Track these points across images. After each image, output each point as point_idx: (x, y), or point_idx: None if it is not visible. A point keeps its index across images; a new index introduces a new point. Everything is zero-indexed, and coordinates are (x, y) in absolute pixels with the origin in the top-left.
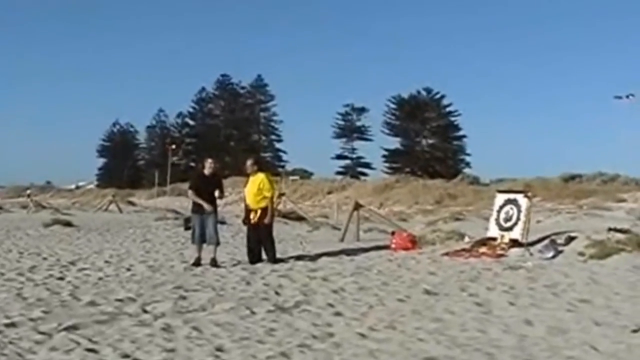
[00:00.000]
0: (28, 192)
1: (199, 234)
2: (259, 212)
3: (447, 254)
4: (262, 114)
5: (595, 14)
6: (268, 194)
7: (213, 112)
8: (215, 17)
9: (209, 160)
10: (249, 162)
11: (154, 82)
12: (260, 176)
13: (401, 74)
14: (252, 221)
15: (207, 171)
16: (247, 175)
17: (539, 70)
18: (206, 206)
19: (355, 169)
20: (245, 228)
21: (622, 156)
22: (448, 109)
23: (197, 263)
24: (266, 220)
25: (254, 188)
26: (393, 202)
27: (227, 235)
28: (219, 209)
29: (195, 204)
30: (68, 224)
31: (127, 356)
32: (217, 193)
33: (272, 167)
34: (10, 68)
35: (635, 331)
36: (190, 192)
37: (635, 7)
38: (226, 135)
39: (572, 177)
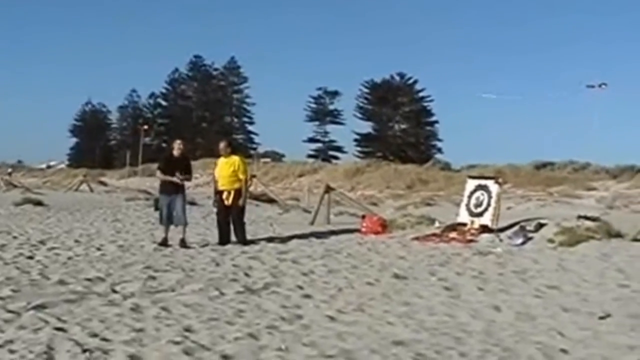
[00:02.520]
0: (9, 170)
1: (166, 214)
2: (232, 193)
3: (417, 238)
4: (234, 95)
5: (569, 4)
6: (242, 176)
7: (185, 94)
8: None
9: (178, 142)
10: (222, 144)
11: (127, 62)
12: (235, 158)
13: (374, 58)
14: (225, 202)
15: (175, 152)
16: (219, 157)
17: (512, 58)
18: (175, 179)
19: (327, 152)
20: (215, 209)
21: (593, 145)
22: (421, 94)
23: (164, 243)
24: (240, 202)
25: (227, 170)
26: (364, 186)
27: (198, 217)
28: (189, 190)
29: (162, 185)
30: (39, 203)
31: (95, 335)
32: (180, 175)
33: (244, 149)
34: None
35: (602, 318)
36: (158, 172)
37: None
38: (198, 116)
39: (544, 165)
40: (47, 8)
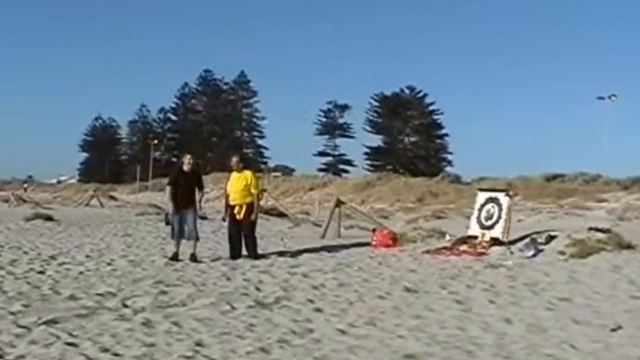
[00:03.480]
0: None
1: (177, 229)
2: (244, 207)
3: (428, 251)
4: (244, 110)
5: (579, 16)
6: (255, 191)
7: (195, 108)
8: (199, 13)
9: (188, 156)
10: (235, 159)
11: (137, 77)
12: (247, 173)
13: (384, 71)
14: (237, 217)
15: (186, 167)
16: (230, 171)
17: (522, 70)
18: (171, 209)
19: (337, 166)
20: (225, 224)
21: (603, 157)
22: (431, 108)
23: (175, 258)
24: (252, 217)
25: (240, 184)
26: (374, 200)
27: (208, 231)
28: (201, 204)
29: (174, 200)
30: (49, 218)
31: (106, 350)
32: (192, 189)
33: (254, 163)
34: None
35: (614, 330)
36: (167, 188)
37: (617, 10)
38: (208, 131)
39: (554, 177)
40: (57, 23)
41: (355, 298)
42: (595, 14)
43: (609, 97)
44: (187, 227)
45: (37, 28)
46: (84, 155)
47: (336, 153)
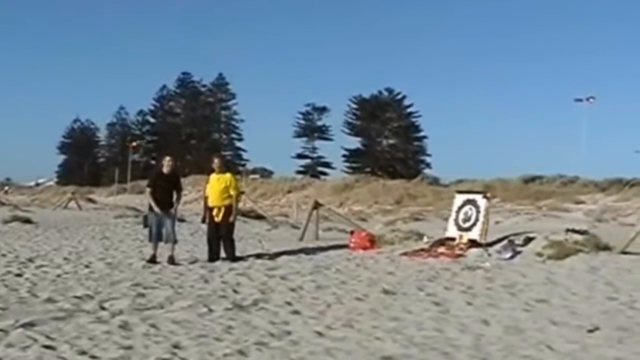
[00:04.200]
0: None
1: (155, 232)
2: (222, 209)
3: (405, 253)
4: (223, 112)
5: (557, 18)
6: (234, 193)
7: (174, 110)
8: (177, 15)
9: (167, 159)
10: (217, 160)
11: (115, 79)
12: (227, 175)
13: (363, 74)
14: (216, 219)
15: (165, 169)
16: (209, 174)
17: (500, 72)
18: (156, 209)
19: (315, 168)
20: (204, 226)
21: (581, 159)
22: (409, 110)
23: (152, 260)
24: (230, 219)
25: (219, 186)
26: (353, 202)
27: (186, 233)
28: (178, 207)
29: (152, 202)
30: (27, 221)
31: (84, 353)
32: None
33: (233, 165)
34: None
35: (591, 331)
36: (147, 190)
37: (595, 12)
38: (187, 133)
39: (532, 179)
40: (35, 25)
41: (333, 300)
42: (573, 16)
43: (587, 99)
44: (165, 229)
45: (15, 30)
46: (63, 157)
47: (315, 155)
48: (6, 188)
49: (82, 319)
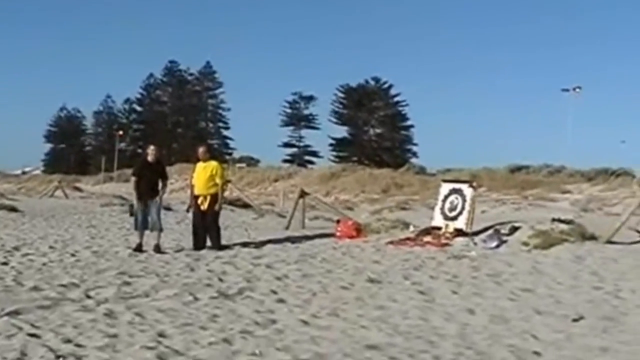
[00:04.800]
0: None
1: (141, 220)
2: (208, 198)
3: (391, 242)
4: (209, 100)
5: (544, 7)
6: (219, 181)
7: (161, 99)
8: (165, 2)
9: (152, 147)
10: (202, 149)
11: (102, 67)
12: (213, 163)
13: (350, 63)
14: (201, 207)
15: (150, 158)
16: (195, 162)
17: (487, 61)
18: (135, 203)
19: (302, 157)
20: (190, 215)
21: (568, 148)
22: (396, 99)
23: (138, 249)
24: (216, 207)
25: (205, 174)
26: (339, 191)
27: (172, 222)
28: (164, 195)
29: (137, 191)
30: (13, 209)
31: (69, 341)
32: (157, 180)
33: (220, 154)
34: None
35: (575, 320)
36: (132, 179)
37: (581, 2)
38: (174, 122)
39: (519, 168)
40: (22, 13)
41: (318, 289)
42: (560, 6)
43: (574, 89)
44: (151, 218)
45: (1, 17)
46: (49, 146)
47: (301, 144)
48: None
49: (67, 308)
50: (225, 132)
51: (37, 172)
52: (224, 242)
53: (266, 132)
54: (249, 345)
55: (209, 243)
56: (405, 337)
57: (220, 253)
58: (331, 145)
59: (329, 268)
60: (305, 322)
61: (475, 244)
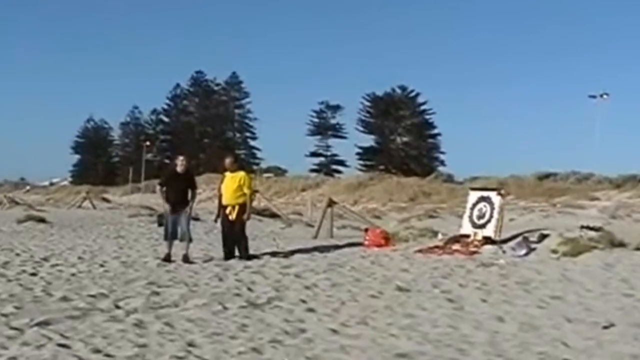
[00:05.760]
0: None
1: (171, 230)
2: (236, 208)
3: (420, 250)
4: (236, 111)
5: (572, 15)
6: (247, 191)
7: (187, 109)
8: (191, 13)
9: (181, 158)
10: (229, 160)
11: (129, 78)
12: (241, 174)
13: (376, 71)
14: (229, 217)
15: (179, 169)
16: (223, 172)
17: (514, 69)
18: (165, 206)
19: (329, 166)
20: (218, 225)
21: (596, 155)
22: (422, 107)
23: (167, 259)
24: (244, 217)
25: (233, 184)
26: (367, 200)
27: (201, 232)
28: (193, 205)
29: (168, 201)
30: (41, 220)
31: (98, 351)
32: (186, 190)
33: (247, 164)
34: None
35: (606, 327)
36: (158, 188)
37: (610, 9)
38: (200, 132)
39: (546, 176)
40: (48, 25)
41: (347, 298)
42: (588, 13)
43: (601, 96)
44: (180, 228)
45: (28, 29)
46: (77, 157)
47: (328, 153)
48: (27, 187)
49: (96, 318)
50: (252, 142)
51: (65, 183)
52: (252, 251)
53: (293, 141)
54: (278, 354)
55: (237, 253)
56: (435, 345)
57: (249, 263)
58: (358, 154)
59: (357, 277)
60: (334, 331)
61: (504, 251)
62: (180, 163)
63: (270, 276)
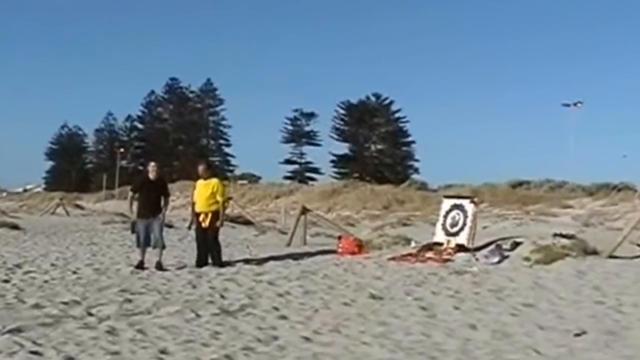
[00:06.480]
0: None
1: (143, 237)
2: (209, 215)
3: (393, 258)
4: (210, 118)
5: (544, 23)
6: (220, 199)
7: (162, 116)
8: (164, 20)
9: (152, 164)
10: (202, 167)
11: (103, 85)
12: (214, 181)
13: (350, 79)
14: (203, 224)
15: (151, 175)
16: (196, 179)
17: (487, 77)
18: (131, 215)
19: (303, 173)
20: (192, 232)
21: (569, 163)
22: (397, 115)
23: (140, 266)
24: (217, 224)
25: (206, 192)
26: (341, 207)
27: (174, 239)
28: (166, 212)
29: (140, 208)
30: (15, 227)
31: (71, 359)
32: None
33: (221, 171)
34: None
35: (578, 335)
36: (129, 194)
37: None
38: (175, 139)
39: (520, 184)
40: (24, 30)
41: (320, 305)
42: (560, 21)
43: (574, 104)
44: (153, 235)
45: (2, 34)
46: (50, 163)
47: (302, 161)
48: (4, 194)
49: (69, 325)
50: (226, 149)
51: (39, 189)
52: (225, 259)
53: (267, 149)
54: None
55: (210, 260)
56: (407, 353)
57: (222, 270)
58: (332, 161)
59: (330, 284)
60: (307, 339)
61: (477, 259)
62: (151, 169)
63: (244, 283)
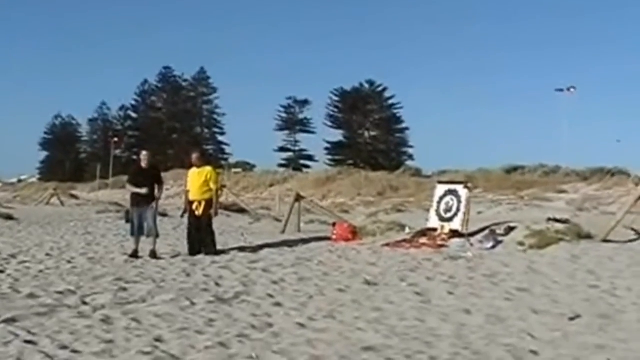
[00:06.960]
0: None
1: (137, 226)
2: (203, 203)
3: (387, 244)
4: (204, 106)
5: (538, 8)
6: (214, 187)
7: (156, 105)
8: (157, 10)
9: (144, 153)
10: (195, 155)
11: (97, 74)
12: (207, 169)
13: (344, 66)
14: (196, 212)
15: (143, 164)
16: (190, 168)
17: (481, 63)
18: (143, 191)
19: (297, 161)
20: (185, 220)
21: (563, 148)
22: (390, 102)
23: (134, 255)
24: (211, 212)
25: (199, 180)
26: (335, 194)
27: (168, 228)
28: (160, 201)
29: (133, 197)
30: (9, 217)
31: (65, 347)
32: (152, 186)
33: (215, 159)
34: None
35: (572, 319)
36: (128, 185)
37: (576, 3)
38: (169, 127)
39: (514, 169)
40: (16, 20)
41: (315, 292)
42: (554, 7)
43: (568, 89)
44: (147, 224)
45: None
46: (45, 153)
47: (297, 148)
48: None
49: (64, 314)
50: (220, 138)
51: (33, 180)
52: (219, 247)
53: (261, 136)
54: (245, 349)
55: (202, 249)
56: (402, 339)
57: (217, 258)
58: (326, 149)
59: (325, 271)
60: (301, 325)
61: (471, 244)
62: (143, 158)
63: (238, 271)
